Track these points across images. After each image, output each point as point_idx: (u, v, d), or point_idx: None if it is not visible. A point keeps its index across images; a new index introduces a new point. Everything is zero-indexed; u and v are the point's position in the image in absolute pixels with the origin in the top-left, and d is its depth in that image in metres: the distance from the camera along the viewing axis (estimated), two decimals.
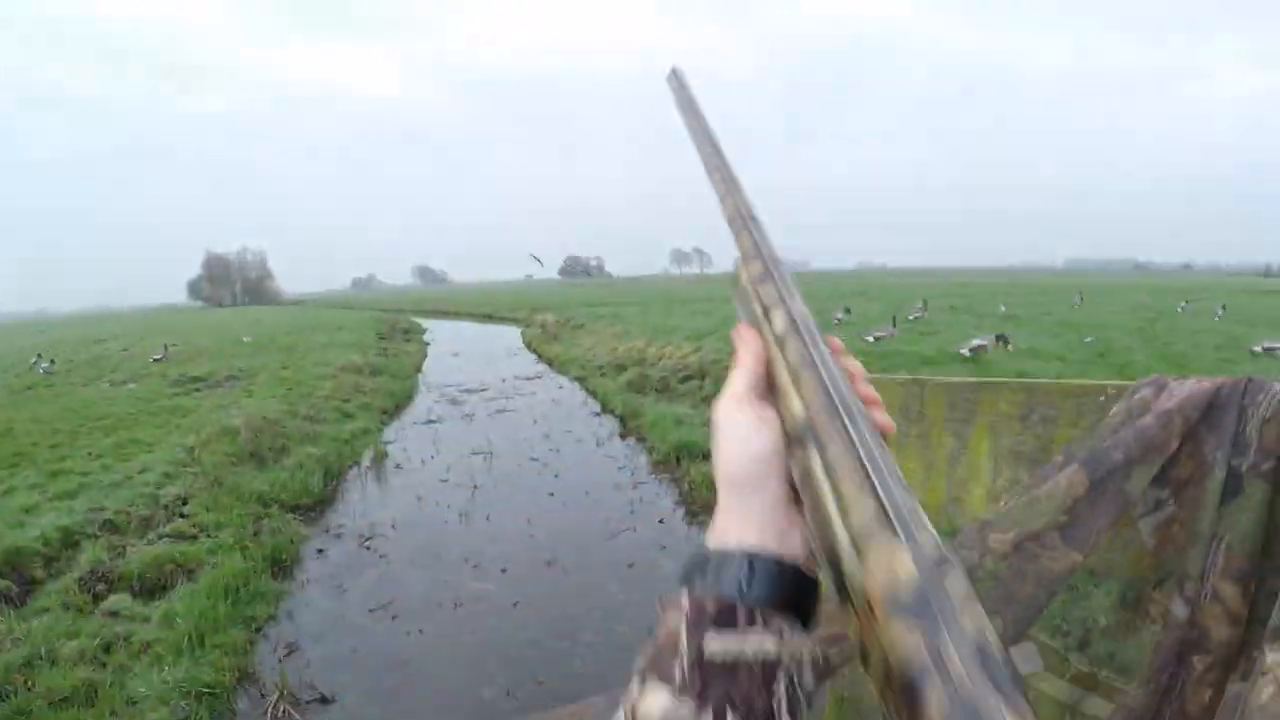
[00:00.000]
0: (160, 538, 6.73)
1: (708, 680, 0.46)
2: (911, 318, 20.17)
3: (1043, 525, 1.15)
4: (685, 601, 0.49)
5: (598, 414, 12.87)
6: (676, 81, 0.82)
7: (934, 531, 0.40)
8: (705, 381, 12.73)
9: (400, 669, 5.09)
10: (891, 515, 0.41)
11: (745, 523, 0.52)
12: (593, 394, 14.58)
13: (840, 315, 20.28)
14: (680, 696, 0.45)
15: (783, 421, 0.53)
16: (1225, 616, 1.11)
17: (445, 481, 9.07)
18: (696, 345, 16.03)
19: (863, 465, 0.44)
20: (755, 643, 0.47)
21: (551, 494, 8.54)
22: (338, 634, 5.57)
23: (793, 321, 0.55)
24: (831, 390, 0.49)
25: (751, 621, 0.48)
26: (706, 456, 8.61)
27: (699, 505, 7.76)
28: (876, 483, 0.42)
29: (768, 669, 0.46)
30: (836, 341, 0.57)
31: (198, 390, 15.07)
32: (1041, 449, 1.50)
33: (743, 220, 0.66)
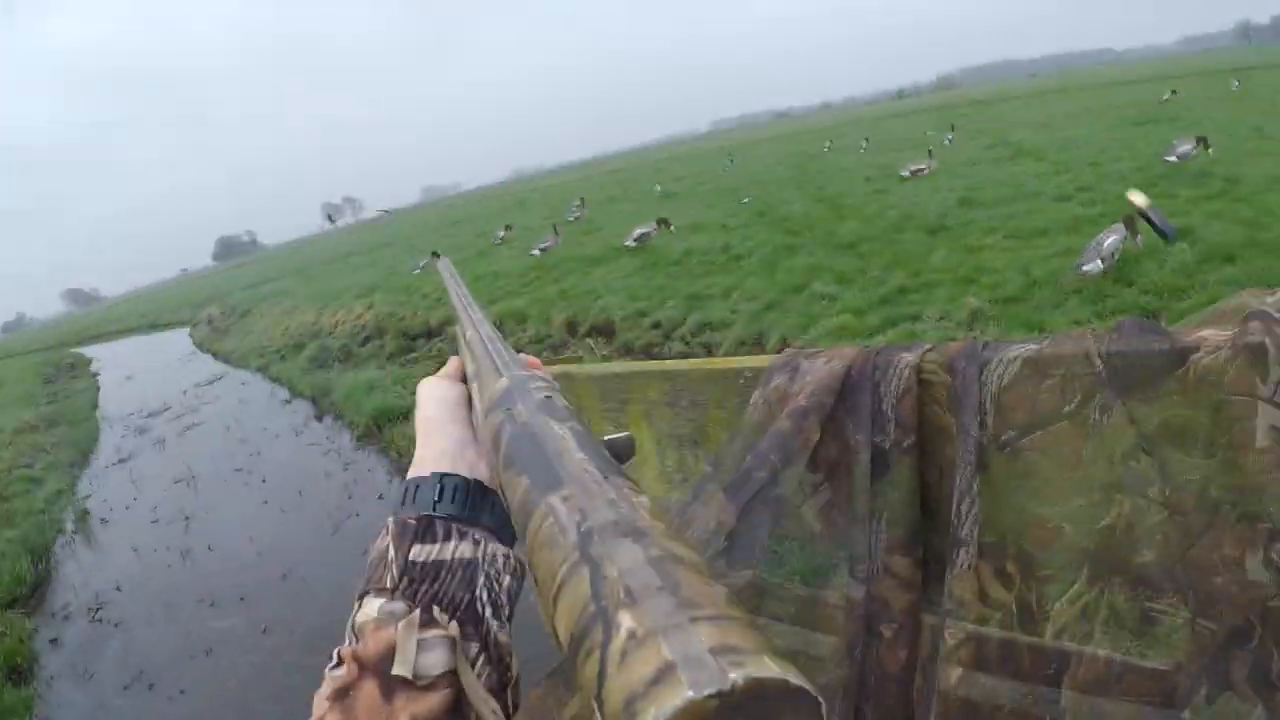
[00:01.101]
0: None
1: (415, 583, 0.52)
2: (572, 219, 20.09)
3: (707, 557, 1.14)
4: (391, 522, 0.56)
5: (288, 401, 12.25)
6: (448, 270, 1.00)
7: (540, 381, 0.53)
8: (385, 339, 12.43)
9: None
10: (500, 366, 0.56)
11: (439, 456, 0.60)
12: (278, 382, 13.81)
13: (502, 234, 19.99)
14: (393, 599, 0.52)
15: (474, 401, 0.63)
16: (900, 586, 1.16)
17: (156, 522, 8.40)
18: (369, 303, 15.55)
19: (492, 358, 0.59)
20: (454, 548, 0.55)
21: (265, 502, 8.13)
22: None
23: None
24: (493, 354, 0.60)
25: (449, 534, 0.55)
26: (406, 416, 8.52)
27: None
28: (499, 363, 0.57)
29: (468, 570, 0.54)
30: (533, 359, 0.65)
31: None
32: (697, 431, 1.50)
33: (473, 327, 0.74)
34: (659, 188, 24.00)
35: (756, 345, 7.24)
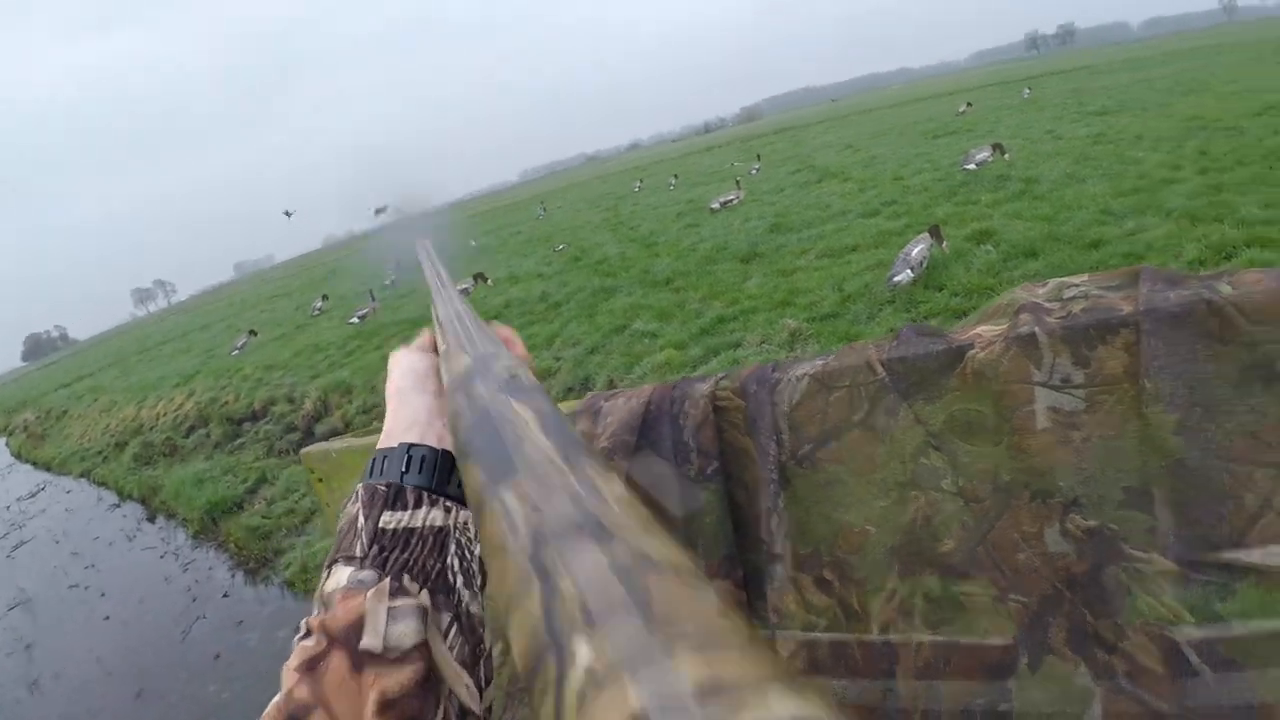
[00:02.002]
0: None
1: (386, 550, 0.51)
2: (388, 283, 19.75)
3: None
4: (361, 490, 0.55)
5: (117, 505, 11.51)
6: (424, 251, 0.87)
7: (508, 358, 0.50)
8: (210, 427, 11.89)
9: None
10: (465, 344, 0.53)
11: (407, 427, 0.58)
12: (104, 485, 12.97)
13: (319, 305, 19.46)
14: (363, 567, 0.50)
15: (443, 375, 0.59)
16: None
17: None
18: (189, 390, 14.84)
19: (459, 335, 0.56)
20: (425, 515, 0.54)
21: (107, 617, 7.62)
22: None
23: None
24: (460, 330, 0.58)
25: (419, 500, 0.54)
26: (241, 506, 8.21)
27: (253, 560, 7.34)
28: (465, 340, 0.54)
29: (439, 538, 0.53)
30: (506, 331, 0.65)
31: None
32: None
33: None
34: (474, 242, 23.96)
35: (584, 389, 7.26)
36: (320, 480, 1.65)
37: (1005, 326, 0.96)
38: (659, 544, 0.27)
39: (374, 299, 15.33)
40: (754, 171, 20.98)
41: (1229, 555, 0.88)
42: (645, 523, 0.29)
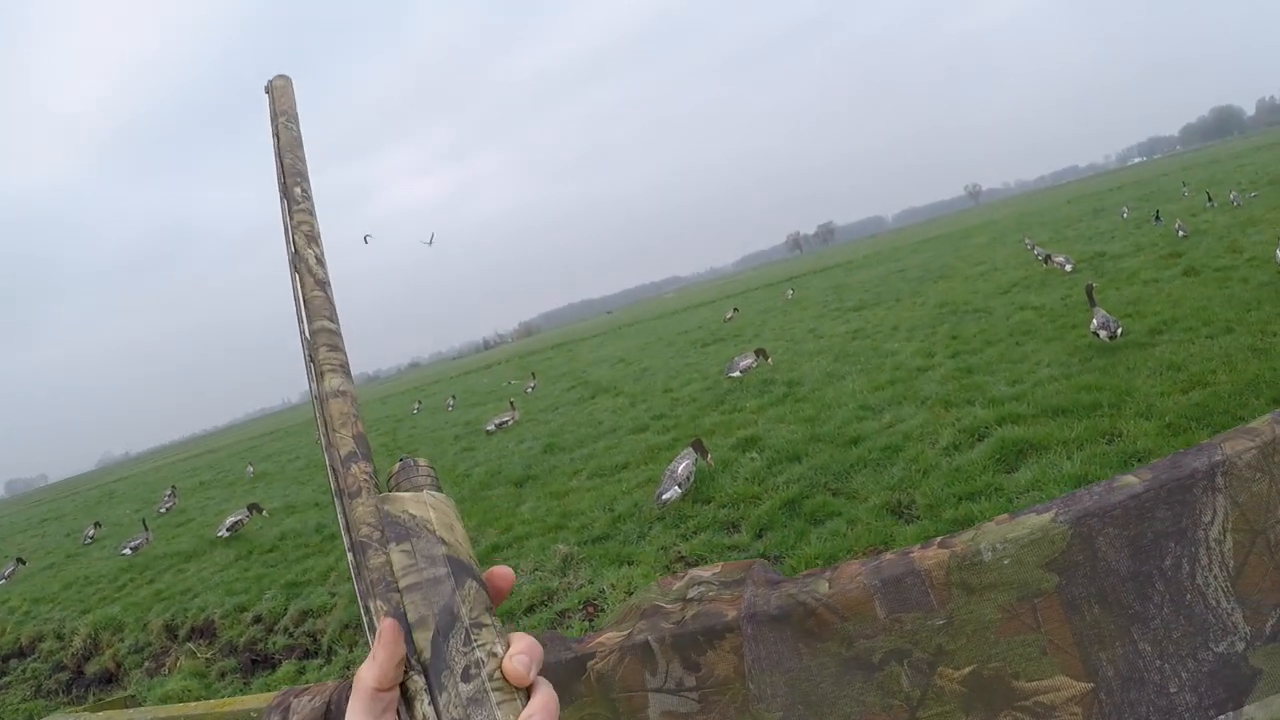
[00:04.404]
0: None
1: None
2: (163, 510, 18.72)
3: None
4: None
5: None
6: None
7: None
8: None
9: None
10: None
11: None
12: None
13: (91, 532, 17.99)
14: None
15: None
16: None
17: None
18: None
19: None
20: None
21: None
22: None
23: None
24: None
25: None
26: None
27: None
28: None
29: None
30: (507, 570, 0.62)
31: None
32: None
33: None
34: (251, 468, 23.04)
35: (360, 627, 6.94)
36: None
37: (625, 634, 1.01)
38: None
39: (147, 528, 14.33)
40: (530, 390, 21.43)
41: None
42: None
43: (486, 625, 0.56)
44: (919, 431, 6.97)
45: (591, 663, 1.01)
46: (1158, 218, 19.12)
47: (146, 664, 8.45)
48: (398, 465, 0.66)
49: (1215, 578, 0.73)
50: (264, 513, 12.62)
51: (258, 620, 8.21)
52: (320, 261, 0.71)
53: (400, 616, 0.55)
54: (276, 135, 0.78)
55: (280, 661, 7.17)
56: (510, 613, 5.78)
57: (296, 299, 0.70)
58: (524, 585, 6.26)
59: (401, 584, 0.56)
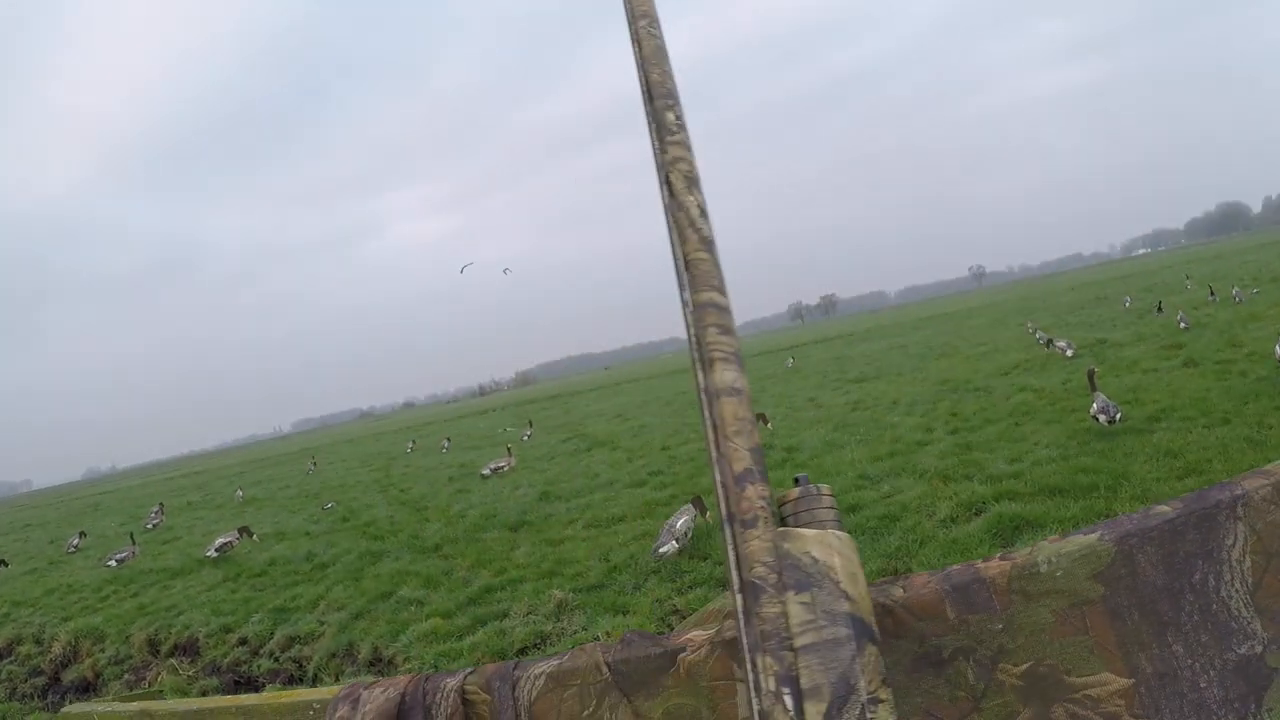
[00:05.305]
0: None
1: None
2: (150, 526, 18.68)
3: None
4: None
5: None
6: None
7: None
8: None
9: None
10: None
11: None
12: None
13: (76, 541, 17.99)
14: None
15: None
16: None
17: None
18: None
19: None
20: None
21: None
22: None
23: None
24: None
25: None
26: None
27: None
28: None
29: None
30: None
31: None
32: None
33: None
34: (240, 493, 22.97)
35: (347, 656, 6.96)
36: None
37: (714, 631, 1.11)
38: None
39: (134, 542, 14.31)
40: (525, 437, 21.49)
41: None
42: None
43: (884, 701, 0.51)
44: (917, 503, 7.02)
45: (682, 656, 1.10)
46: (1160, 309, 19.39)
47: (126, 676, 8.43)
48: (796, 491, 0.60)
49: (1237, 591, 0.84)
50: (254, 537, 12.61)
51: (243, 642, 8.20)
52: (704, 212, 0.58)
53: (791, 680, 0.49)
54: (638, 42, 0.66)
55: (264, 685, 7.16)
56: (503, 654, 5.82)
57: (676, 262, 0.58)
58: (517, 628, 6.29)
59: (797, 642, 0.49)
